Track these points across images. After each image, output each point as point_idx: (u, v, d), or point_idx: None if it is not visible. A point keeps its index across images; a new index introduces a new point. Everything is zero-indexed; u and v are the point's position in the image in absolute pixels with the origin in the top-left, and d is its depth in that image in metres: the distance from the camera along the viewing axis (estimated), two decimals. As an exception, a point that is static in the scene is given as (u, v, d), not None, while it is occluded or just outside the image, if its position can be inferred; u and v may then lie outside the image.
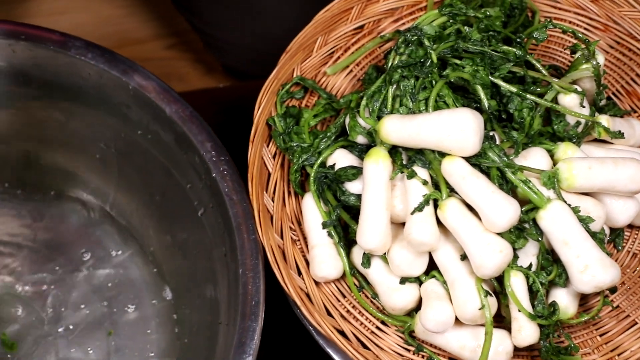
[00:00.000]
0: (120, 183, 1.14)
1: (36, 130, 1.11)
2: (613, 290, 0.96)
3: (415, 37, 0.97)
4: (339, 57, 1.07)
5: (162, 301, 1.11)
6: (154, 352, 1.08)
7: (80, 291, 1.12)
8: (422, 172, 0.92)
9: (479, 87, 0.94)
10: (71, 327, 1.09)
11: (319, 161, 0.98)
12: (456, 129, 0.88)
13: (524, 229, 0.90)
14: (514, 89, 0.95)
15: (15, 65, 1.05)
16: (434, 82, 0.94)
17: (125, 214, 1.16)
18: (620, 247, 1.02)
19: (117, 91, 1.03)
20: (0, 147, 1.12)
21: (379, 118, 0.94)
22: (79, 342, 1.08)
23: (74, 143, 1.12)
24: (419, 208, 0.89)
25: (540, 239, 0.89)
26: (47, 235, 1.15)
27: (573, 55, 1.03)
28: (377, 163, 0.92)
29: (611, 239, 1.01)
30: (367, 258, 0.94)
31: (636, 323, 0.95)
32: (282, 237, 0.97)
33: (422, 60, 0.95)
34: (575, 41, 1.01)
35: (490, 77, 0.95)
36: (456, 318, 0.89)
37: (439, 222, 0.90)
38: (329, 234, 0.96)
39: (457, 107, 0.92)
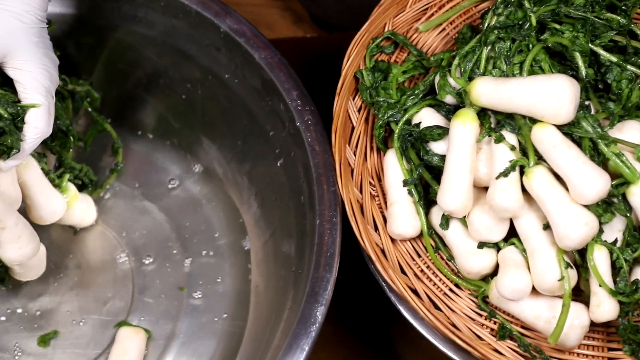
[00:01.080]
0: (204, 125, 1.15)
1: (129, 67, 1.13)
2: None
3: (516, -2, 0.94)
4: (432, 14, 1.05)
5: (239, 248, 1.13)
6: (228, 299, 1.11)
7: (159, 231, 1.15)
8: (511, 137, 0.90)
9: (577, 54, 0.91)
10: (150, 267, 1.12)
11: (404, 118, 0.97)
12: (551, 96, 0.86)
13: (612, 203, 0.87)
14: (614, 59, 0.92)
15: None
16: (530, 46, 0.91)
17: (206, 157, 1.17)
18: None
19: (208, 33, 1.04)
20: (97, 84, 1.14)
21: (470, 79, 0.93)
22: (157, 279, 1.11)
23: (161, 82, 1.14)
24: (505, 173, 0.88)
25: (628, 214, 0.87)
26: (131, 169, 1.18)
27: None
28: (465, 125, 0.91)
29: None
30: (446, 219, 0.93)
31: None
32: (361, 192, 0.97)
33: (520, 23, 0.93)
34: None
35: (590, 45, 0.91)
36: (533, 287, 0.88)
37: (523, 189, 0.89)
38: (409, 192, 0.96)
39: (553, 73, 0.89)
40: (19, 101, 0.88)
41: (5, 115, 0.86)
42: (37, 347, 1.04)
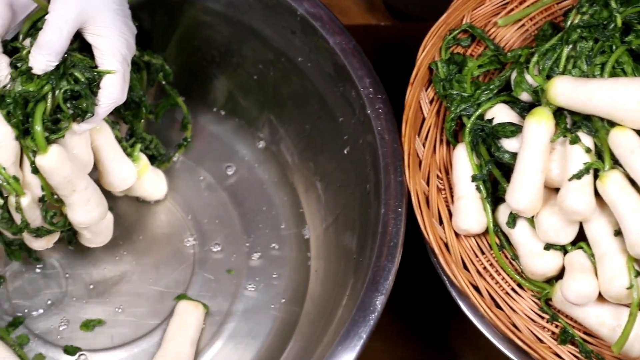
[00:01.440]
0: (273, 107, 1.15)
1: (202, 44, 1.14)
2: None
3: (602, -2, 0.92)
4: (512, 9, 1.03)
5: (300, 234, 1.14)
6: (286, 284, 1.11)
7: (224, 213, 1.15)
8: (586, 139, 0.88)
9: (662, 59, 0.89)
10: (214, 252, 1.13)
11: (477, 113, 0.96)
12: (632, 99, 0.84)
13: (688, 214, 0.85)
14: (700, 66, 0.89)
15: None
16: (614, 47, 0.89)
17: (272, 138, 1.18)
18: None
19: (285, 15, 1.04)
20: (170, 59, 1.15)
21: (549, 77, 0.91)
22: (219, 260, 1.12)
23: (234, 61, 1.14)
24: (578, 176, 0.86)
25: None
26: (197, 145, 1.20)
27: None
28: (540, 123, 0.89)
29: None
30: (513, 218, 0.92)
31: None
32: (428, 184, 0.96)
33: (604, 23, 0.91)
34: None
35: (677, 50, 0.89)
36: (599, 294, 0.86)
37: (595, 193, 0.87)
38: (477, 188, 0.95)
39: (636, 76, 0.87)
40: (96, 67, 0.90)
41: (82, 80, 0.88)
42: (95, 315, 1.07)
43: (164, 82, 1.13)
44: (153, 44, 1.15)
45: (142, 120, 1.09)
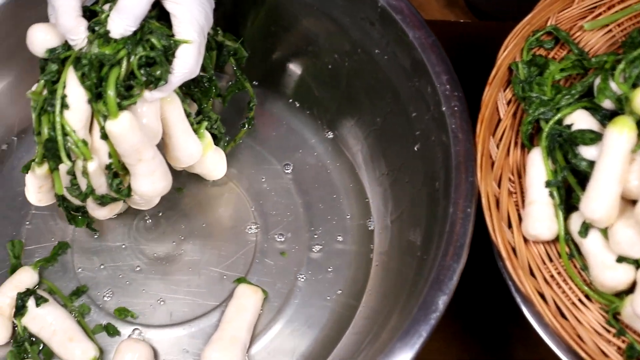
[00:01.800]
0: (345, 98, 1.15)
1: (281, 30, 1.14)
2: None
3: (696, 7, 0.89)
4: (600, 14, 1.00)
5: (363, 226, 1.13)
6: (345, 275, 1.10)
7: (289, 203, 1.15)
8: (670, 152, 0.86)
9: None
10: (278, 241, 1.13)
11: (556, 117, 0.94)
12: None
13: None
14: None
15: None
16: None
17: (342, 129, 1.17)
18: None
19: (365, 7, 1.03)
20: (246, 42, 1.16)
21: (635, 86, 0.88)
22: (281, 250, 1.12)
23: (310, 50, 1.14)
24: (658, 189, 0.84)
25: None
26: (265, 131, 1.20)
27: None
28: (622, 133, 0.87)
29: None
30: (586, 227, 0.90)
31: None
32: (499, 186, 0.95)
33: (698, 33, 0.88)
34: None
35: None
36: (671, 312, 0.84)
37: (675, 209, 0.84)
38: (551, 194, 0.93)
39: None
40: (172, 35, 0.90)
41: (158, 46, 0.88)
42: (155, 291, 1.08)
43: (234, 67, 1.13)
44: (229, 26, 1.15)
45: (211, 100, 1.09)
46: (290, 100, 1.20)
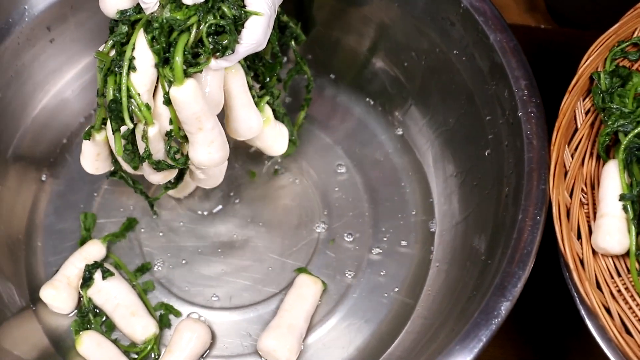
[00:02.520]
0: (419, 97, 1.15)
1: (359, 23, 1.14)
2: None
3: None
4: (689, 27, 0.98)
5: (426, 227, 1.13)
6: (404, 274, 1.10)
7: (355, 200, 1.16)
8: None
9: None
10: (341, 230, 1.13)
11: (636, 131, 0.92)
12: None
13: None
14: None
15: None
16: None
17: (412, 128, 1.17)
18: None
19: (447, 6, 1.03)
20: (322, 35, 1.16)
21: None
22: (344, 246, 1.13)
23: (387, 46, 1.14)
24: None
25: None
26: (334, 129, 1.21)
27: None
28: None
29: None
30: (659, 245, 0.88)
31: None
32: (571, 196, 0.93)
33: None
34: None
35: None
36: None
37: None
38: (624, 208, 0.91)
39: None
40: (244, 6, 0.89)
41: (229, 15, 0.88)
42: (217, 274, 1.10)
43: (294, 50, 1.11)
44: (306, 14, 1.16)
45: (275, 76, 1.06)
46: (363, 95, 1.21)
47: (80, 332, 1.02)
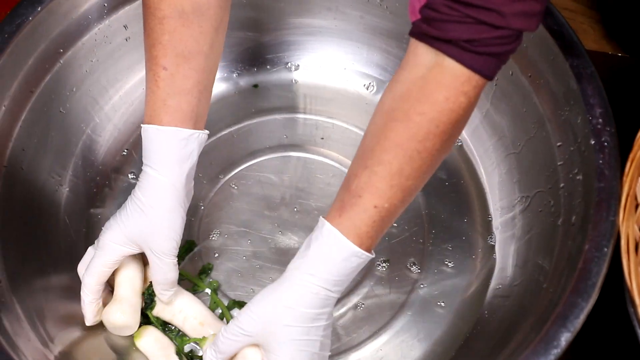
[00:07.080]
0: (487, 117, 1.13)
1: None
2: None
3: None
4: None
5: (483, 246, 1.11)
6: (462, 296, 1.09)
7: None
8: None
9: None
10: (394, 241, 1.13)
11: None
12: None
13: None
14: None
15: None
16: None
17: (479, 148, 1.16)
18: None
19: (523, 27, 1.02)
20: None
21: None
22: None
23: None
24: None
25: None
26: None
27: None
28: None
29: None
30: None
31: None
32: (640, 230, 0.91)
33: None
34: None
35: None
36: None
37: None
38: (696, 246, 0.88)
39: None
40: None
41: None
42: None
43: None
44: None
45: None
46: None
47: (140, 327, 1.02)
